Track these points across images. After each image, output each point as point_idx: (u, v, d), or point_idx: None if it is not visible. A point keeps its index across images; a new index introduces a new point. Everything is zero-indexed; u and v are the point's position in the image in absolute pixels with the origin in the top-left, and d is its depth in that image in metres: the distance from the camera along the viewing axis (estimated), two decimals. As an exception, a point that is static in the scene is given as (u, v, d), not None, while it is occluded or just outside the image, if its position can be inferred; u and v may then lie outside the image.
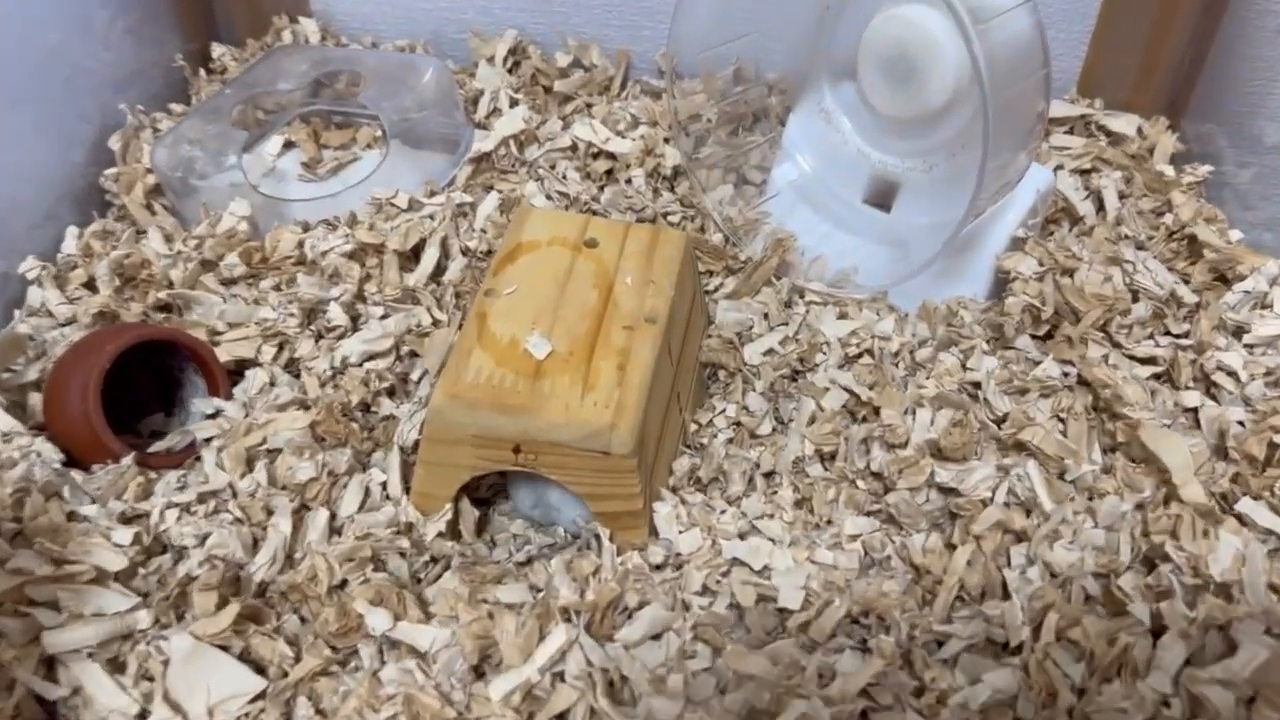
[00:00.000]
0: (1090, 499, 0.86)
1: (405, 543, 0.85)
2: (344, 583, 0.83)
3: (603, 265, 0.93)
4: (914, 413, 0.88)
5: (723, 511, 0.88)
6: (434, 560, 0.86)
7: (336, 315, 1.00)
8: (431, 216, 1.08)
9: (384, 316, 0.97)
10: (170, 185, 1.10)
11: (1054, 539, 0.81)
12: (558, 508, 0.88)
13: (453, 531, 0.88)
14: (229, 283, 1.07)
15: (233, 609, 0.79)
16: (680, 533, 0.85)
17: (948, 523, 0.84)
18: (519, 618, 0.76)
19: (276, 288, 1.04)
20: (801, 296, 1.07)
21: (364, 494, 0.88)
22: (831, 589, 0.79)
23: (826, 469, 0.90)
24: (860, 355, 0.97)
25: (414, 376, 0.98)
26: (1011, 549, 0.81)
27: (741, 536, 0.84)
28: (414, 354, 1.00)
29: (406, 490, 0.89)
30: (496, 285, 0.91)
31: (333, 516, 0.87)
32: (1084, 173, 1.21)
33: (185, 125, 1.19)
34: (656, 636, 0.76)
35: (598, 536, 0.86)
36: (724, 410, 0.97)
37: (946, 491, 0.85)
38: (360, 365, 0.97)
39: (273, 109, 1.30)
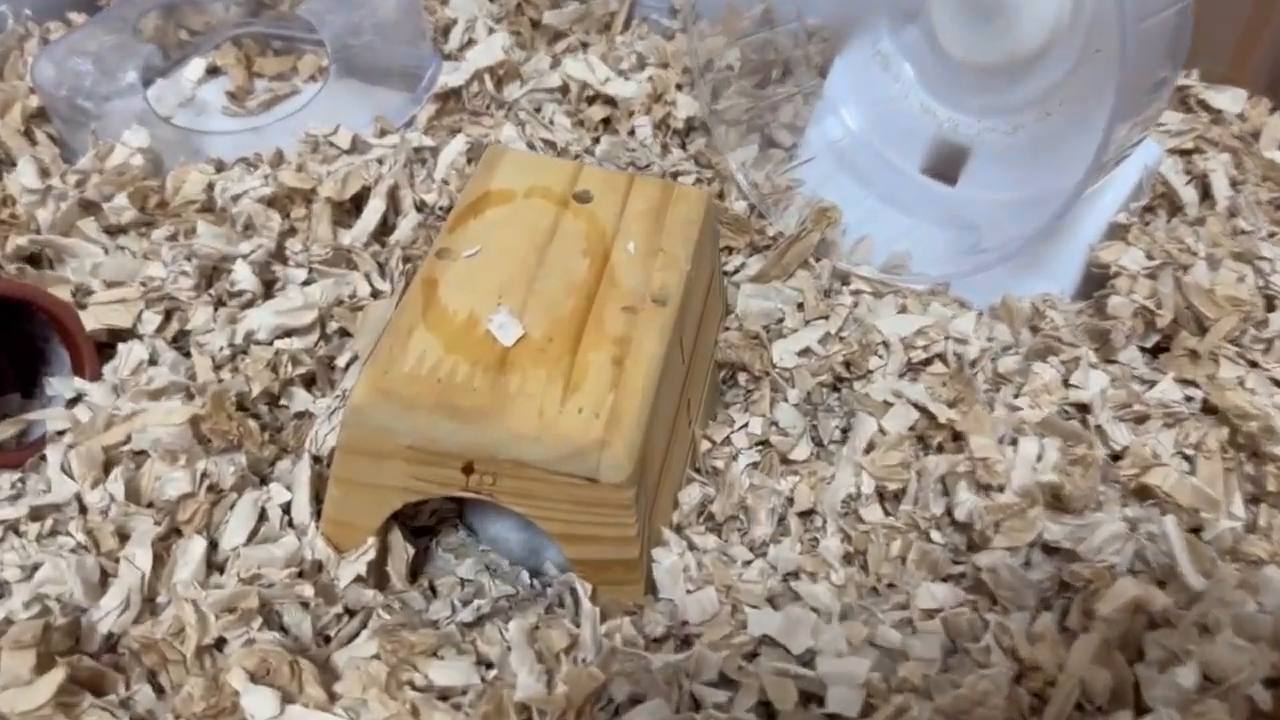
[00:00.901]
0: (1236, 565, 0.63)
1: (309, 589, 0.62)
2: (220, 642, 0.60)
3: (597, 226, 0.70)
4: (1015, 443, 0.65)
5: (746, 563, 0.65)
6: (348, 614, 0.63)
7: (244, 277, 0.76)
8: (380, 161, 0.85)
9: (307, 282, 0.73)
10: (55, 108, 0.88)
11: (1208, 626, 0.57)
12: (544, 546, 0.66)
13: (376, 575, 0.65)
14: (115, 231, 0.83)
15: (56, 675, 0.55)
16: (689, 592, 0.62)
17: (1056, 597, 0.60)
18: (458, 717, 0.53)
19: (172, 238, 0.80)
20: (845, 284, 0.83)
21: (258, 519, 0.65)
22: (905, 688, 0.56)
23: (889, 513, 0.66)
24: (929, 361, 0.74)
25: (341, 363, 0.74)
26: (1146, 637, 0.58)
27: (773, 602, 0.61)
28: (344, 333, 0.76)
29: (318, 516, 0.65)
30: (453, 245, 0.68)
31: (212, 548, 0.64)
32: (1184, 153, 0.98)
33: (79, 35, 0.95)
34: (654, 750, 0.53)
35: (574, 591, 0.63)
36: (745, 425, 0.74)
37: (1055, 552, 0.61)
38: (270, 344, 0.73)
39: (200, 29, 1.06)
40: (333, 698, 0.58)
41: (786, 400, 0.75)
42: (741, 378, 0.79)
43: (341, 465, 0.62)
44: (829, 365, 0.76)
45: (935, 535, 0.65)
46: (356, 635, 0.64)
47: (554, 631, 0.58)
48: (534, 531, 0.67)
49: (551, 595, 0.67)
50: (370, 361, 0.62)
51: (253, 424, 0.69)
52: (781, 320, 0.81)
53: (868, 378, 0.74)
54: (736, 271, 0.85)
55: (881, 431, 0.69)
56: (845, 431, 0.75)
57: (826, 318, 0.81)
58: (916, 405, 0.69)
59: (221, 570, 0.64)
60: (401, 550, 0.66)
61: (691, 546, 0.66)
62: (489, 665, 0.60)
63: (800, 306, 0.81)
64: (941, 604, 0.61)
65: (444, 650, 0.59)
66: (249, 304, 0.76)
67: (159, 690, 0.58)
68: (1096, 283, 0.82)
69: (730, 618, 0.61)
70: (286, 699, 0.57)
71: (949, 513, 0.65)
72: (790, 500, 0.70)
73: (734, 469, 0.71)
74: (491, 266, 0.67)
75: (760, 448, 0.73)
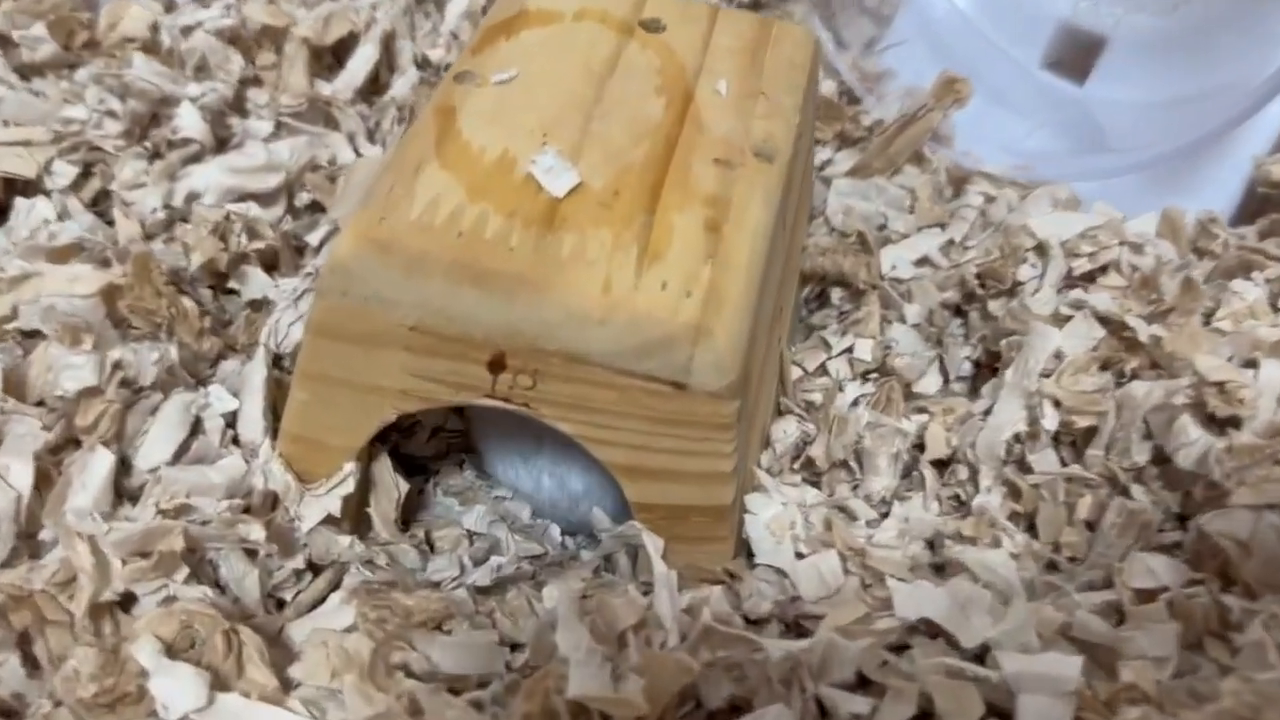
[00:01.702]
0: None
1: (258, 531, 0.43)
2: (127, 600, 0.43)
3: (674, 60, 0.51)
4: (1257, 367, 0.47)
5: (872, 522, 0.46)
6: (312, 570, 0.44)
7: (191, 124, 0.57)
8: (374, 5, 0.65)
9: (273, 137, 0.53)
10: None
11: None
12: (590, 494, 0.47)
13: (354, 517, 0.46)
14: (29, 71, 0.64)
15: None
16: (800, 556, 0.43)
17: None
18: (479, 718, 0.34)
19: (99, 81, 0.60)
20: (962, 187, 0.65)
21: (190, 431, 0.46)
22: (1133, 699, 0.37)
23: (1074, 459, 0.48)
24: (1103, 270, 0.55)
25: (312, 241, 0.55)
26: None
27: (938, 570, 0.42)
28: (319, 208, 0.57)
29: (275, 432, 0.46)
30: (478, 68, 0.49)
31: (123, 468, 0.44)
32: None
33: None
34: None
35: (634, 551, 0.44)
36: (849, 350, 0.55)
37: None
38: (220, 208, 0.53)
39: None
40: (287, 685, 0.39)
41: (903, 320, 0.57)
42: (835, 295, 0.60)
43: (312, 355, 0.43)
44: (957, 277, 0.58)
45: (1136, 490, 0.47)
46: (323, 600, 0.45)
47: (618, 601, 0.39)
48: (576, 468, 0.48)
49: (592, 557, 0.48)
50: (361, 207, 0.43)
51: (189, 305, 0.50)
52: (884, 226, 0.63)
53: (1017, 293, 0.56)
54: (823, 167, 0.67)
55: (1056, 356, 0.50)
56: (978, 364, 0.57)
57: (944, 226, 0.62)
58: (1104, 319, 0.51)
59: (135, 500, 0.45)
60: (391, 484, 0.47)
61: (791, 498, 0.48)
62: (514, 646, 0.41)
63: (911, 209, 0.63)
64: (1165, 582, 0.42)
65: (450, 624, 0.40)
66: (194, 158, 0.57)
67: (32, 664, 0.42)
68: (1259, 205, 0.67)
69: (863, 593, 0.43)
70: (218, 683, 0.38)
71: (1162, 458, 0.46)
72: (920, 444, 0.51)
73: (838, 403, 0.53)
74: (531, 97, 0.48)
75: (874, 378, 0.55)
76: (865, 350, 0.56)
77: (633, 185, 0.45)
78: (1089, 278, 0.56)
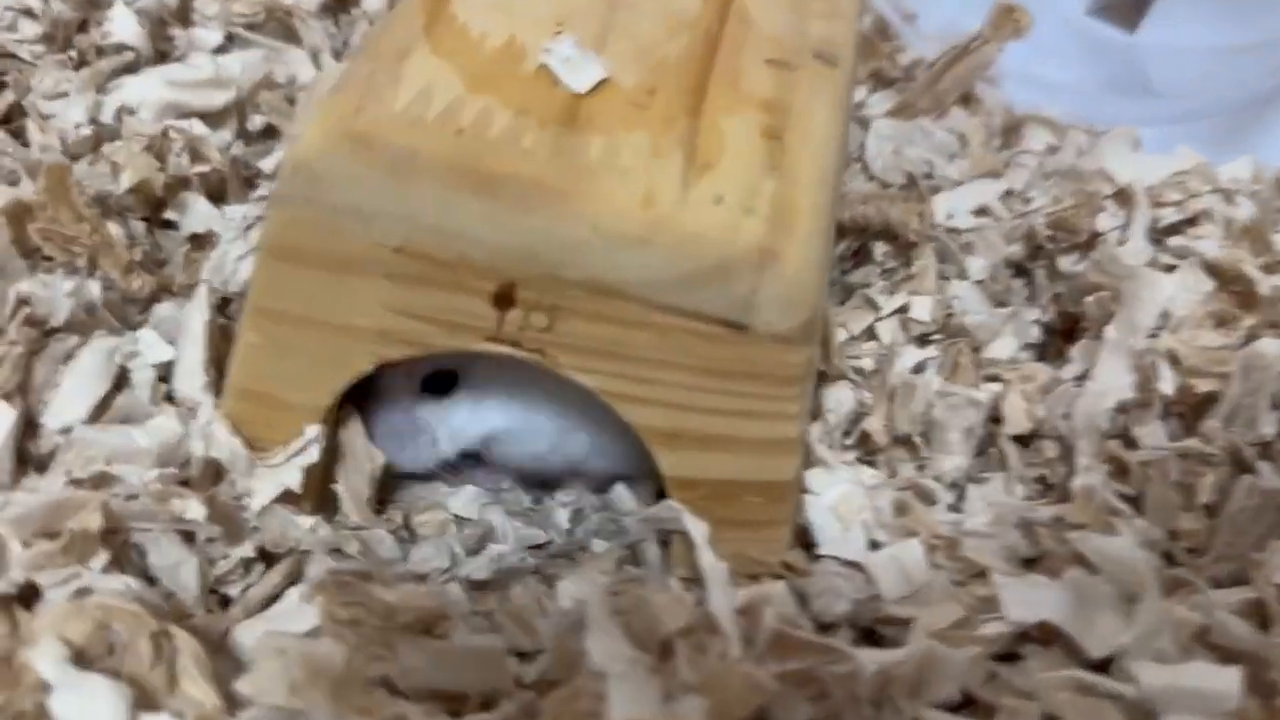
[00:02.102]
0: None
1: (198, 508, 0.33)
2: (28, 592, 0.33)
3: (711, -49, 0.42)
4: None
5: (953, 507, 0.38)
6: (264, 560, 0.35)
7: (124, 28, 0.48)
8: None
9: (222, 49, 0.44)
10: None
11: None
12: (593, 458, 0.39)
13: (316, 496, 0.36)
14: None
15: None
16: (875, 547, 0.35)
17: None
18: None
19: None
20: (1015, 134, 0.57)
21: (113, 384, 0.36)
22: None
23: (1183, 435, 0.40)
24: (1191, 222, 0.47)
25: (266, 168, 0.46)
26: None
27: (1029, 565, 0.34)
28: (273, 132, 0.48)
29: (218, 389, 0.37)
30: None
31: (29, 429, 0.35)
32: None
33: None
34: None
35: (665, 537, 0.35)
36: (904, 309, 0.47)
37: None
38: (157, 124, 0.44)
39: None
40: (233, 704, 0.30)
41: (965, 275, 0.49)
42: (878, 251, 0.52)
43: (267, 285, 0.34)
44: (1024, 228, 0.49)
45: (1264, 469, 0.38)
46: (279, 597, 0.36)
47: (659, 599, 0.30)
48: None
49: (612, 547, 0.39)
50: (329, 96, 0.34)
51: (116, 231, 0.40)
52: (930, 175, 0.54)
53: (1095, 244, 0.48)
54: (857, 109, 0.59)
55: (1164, 314, 0.42)
56: (1049, 329, 0.49)
57: (1000, 174, 0.54)
58: (1215, 269, 0.43)
59: (42, 469, 0.36)
60: (364, 455, 0.38)
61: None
62: (523, 655, 0.32)
63: (956, 155, 0.55)
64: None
65: (446, 626, 0.31)
66: (129, 69, 0.48)
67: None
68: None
69: (959, 591, 0.34)
70: (143, 701, 0.29)
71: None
72: (996, 416, 0.43)
73: (896, 368, 0.44)
74: (542, -19, 0.39)
75: (936, 340, 0.46)
76: (923, 309, 0.48)
77: (670, 84, 0.36)
78: (1174, 231, 0.48)
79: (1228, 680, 0.31)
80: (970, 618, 0.34)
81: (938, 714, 0.31)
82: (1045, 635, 0.33)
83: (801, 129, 0.36)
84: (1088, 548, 0.35)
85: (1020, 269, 0.52)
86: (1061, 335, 0.49)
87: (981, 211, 0.52)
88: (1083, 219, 0.49)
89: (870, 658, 0.31)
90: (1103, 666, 0.33)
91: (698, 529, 0.34)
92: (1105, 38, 0.69)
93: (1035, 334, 0.49)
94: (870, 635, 0.35)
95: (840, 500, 0.37)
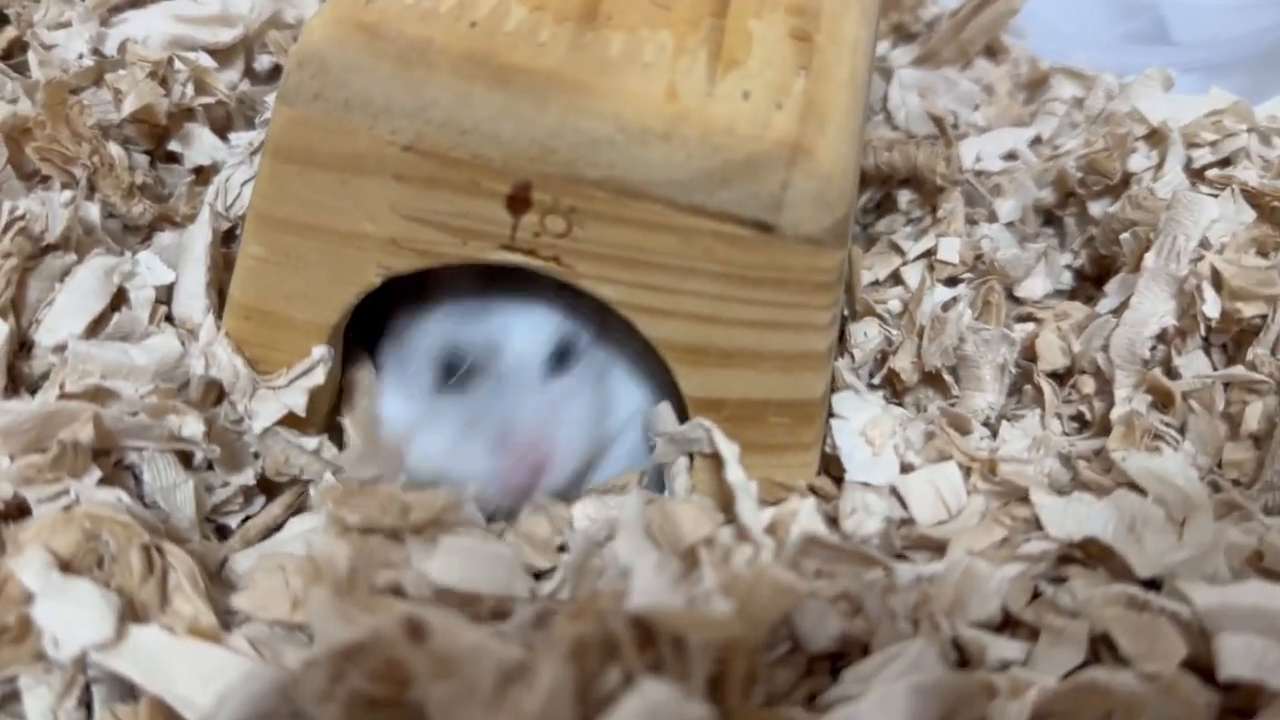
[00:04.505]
0: None
1: (195, 426, 0.31)
2: (16, 508, 0.32)
3: None
4: None
5: (986, 438, 0.36)
6: (264, 491, 0.33)
7: (129, -40, 0.46)
8: None
9: None
10: None
11: None
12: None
13: (321, 425, 0.35)
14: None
15: None
16: (907, 470, 0.33)
17: None
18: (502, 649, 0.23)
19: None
20: (1040, 86, 0.56)
21: (110, 302, 0.34)
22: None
23: (1225, 365, 0.38)
24: (1225, 163, 0.45)
25: (270, 101, 0.44)
26: None
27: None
28: (281, 72, 0.46)
29: (219, 312, 0.35)
30: None
31: (22, 348, 0.33)
32: None
33: None
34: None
35: (689, 458, 0.34)
36: (928, 254, 0.45)
37: None
38: (164, 55, 0.43)
39: None
40: (227, 620, 0.28)
41: (994, 218, 0.47)
42: (902, 200, 0.50)
43: (271, 190, 0.33)
44: (1055, 171, 0.48)
45: (1311, 398, 0.37)
46: (280, 528, 0.34)
47: (685, 508, 0.28)
48: None
49: (632, 470, 0.37)
50: (338, -9, 0.32)
51: (117, 152, 0.39)
52: (955, 125, 0.53)
53: (1130, 183, 0.46)
54: (879, 63, 0.57)
55: (1203, 244, 0.40)
56: (1080, 274, 0.47)
57: (1028, 123, 0.52)
58: (1256, 198, 0.41)
59: (34, 390, 0.34)
60: (369, 379, 0.36)
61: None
62: (538, 575, 0.30)
63: (981, 105, 0.53)
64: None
65: (451, 535, 0.29)
66: (134, 3, 0.46)
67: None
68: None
69: (997, 513, 0.32)
70: (132, 613, 0.27)
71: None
72: (1032, 354, 0.41)
73: (926, 306, 0.43)
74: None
75: (966, 280, 0.45)
76: (951, 250, 0.46)
77: (693, -16, 0.35)
78: (1201, 172, 0.46)
79: (1289, 599, 0.29)
80: (1011, 538, 0.32)
81: (979, 632, 0.29)
82: (1090, 556, 0.31)
83: (831, 32, 0.34)
84: (1134, 467, 0.33)
85: (1050, 216, 0.50)
86: (1093, 281, 0.47)
87: (1010, 156, 0.51)
88: (1115, 161, 0.47)
89: (907, 571, 0.29)
90: (1150, 589, 0.31)
91: (727, 447, 0.33)
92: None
93: (1067, 280, 0.47)
94: (904, 561, 0.33)
95: (870, 424, 0.35)
